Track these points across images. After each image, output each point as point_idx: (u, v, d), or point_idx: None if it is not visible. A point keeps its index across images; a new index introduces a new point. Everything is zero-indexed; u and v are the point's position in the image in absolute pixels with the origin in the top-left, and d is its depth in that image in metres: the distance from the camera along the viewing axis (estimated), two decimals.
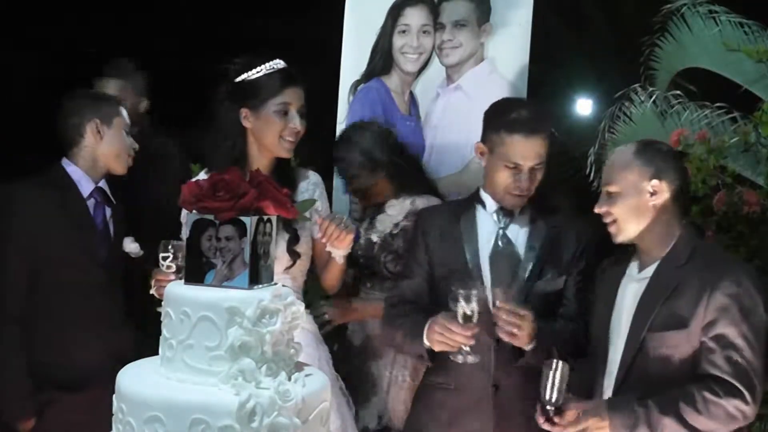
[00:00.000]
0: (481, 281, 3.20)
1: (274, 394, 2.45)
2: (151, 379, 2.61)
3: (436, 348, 3.08)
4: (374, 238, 3.72)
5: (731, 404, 2.75)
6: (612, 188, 2.99)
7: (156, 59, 8.77)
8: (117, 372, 3.22)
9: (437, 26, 4.17)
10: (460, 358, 3.03)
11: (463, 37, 4.16)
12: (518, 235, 3.28)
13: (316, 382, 2.63)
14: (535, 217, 3.31)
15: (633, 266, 3.06)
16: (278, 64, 3.33)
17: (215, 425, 2.41)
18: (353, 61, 4.23)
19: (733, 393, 2.76)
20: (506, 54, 4.13)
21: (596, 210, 3.03)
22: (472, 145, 3.82)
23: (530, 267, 3.24)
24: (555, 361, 2.85)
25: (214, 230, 2.63)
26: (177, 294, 2.63)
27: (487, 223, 3.29)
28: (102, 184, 3.64)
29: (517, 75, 4.09)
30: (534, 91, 4.19)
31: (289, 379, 2.54)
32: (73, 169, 3.58)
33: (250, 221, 2.60)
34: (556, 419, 2.86)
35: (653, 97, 5.06)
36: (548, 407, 2.86)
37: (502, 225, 3.28)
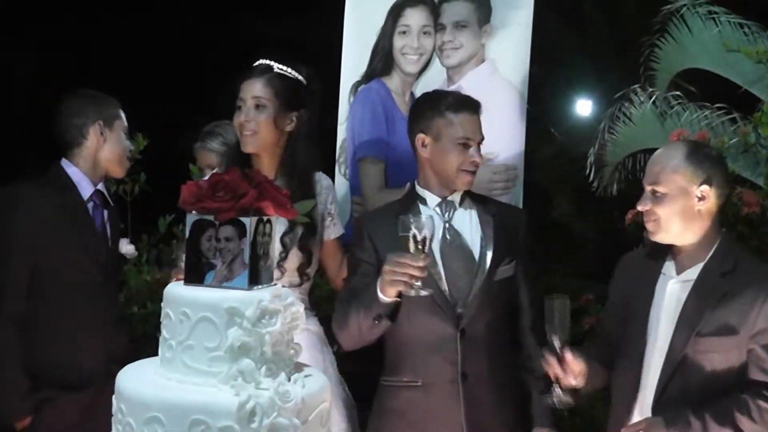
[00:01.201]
0: (434, 279, 3.16)
1: (273, 395, 2.45)
2: (151, 380, 2.61)
3: (390, 290, 2.98)
4: None
5: None
6: (659, 189, 2.95)
7: (155, 60, 8.81)
8: (115, 372, 3.24)
9: (438, 27, 4.16)
10: (412, 292, 2.95)
11: (464, 38, 4.15)
12: (464, 224, 3.28)
13: (315, 382, 2.63)
14: (474, 206, 3.32)
15: (669, 266, 3.03)
16: None
17: (215, 426, 2.40)
18: (354, 62, 4.22)
19: None
20: (507, 55, 4.12)
21: (640, 208, 3.01)
22: None
23: (489, 254, 3.23)
24: (553, 299, 2.86)
25: (214, 231, 2.62)
26: (176, 294, 2.63)
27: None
28: (101, 186, 3.66)
29: (517, 76, 4.08)
30: (534, 92, 4.19)
31: (289, 379, 2.54)
32: (73, 171, 3.58)
33: (249, 222, 2.60)
34: (566, 356, 2.86)
35: (653, 98, 5.08)
36: (555, 343, 2.86)
37: (446, 218, 3.27)
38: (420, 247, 2.89)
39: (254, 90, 3.38)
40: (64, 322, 3.46)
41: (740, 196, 4.09)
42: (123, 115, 3.71)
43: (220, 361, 2.52)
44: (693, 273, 2.96)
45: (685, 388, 2.86)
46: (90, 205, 3.60)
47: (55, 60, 8.66)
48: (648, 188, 2.99)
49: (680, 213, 2.94)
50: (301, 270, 3.37)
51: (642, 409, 2.96)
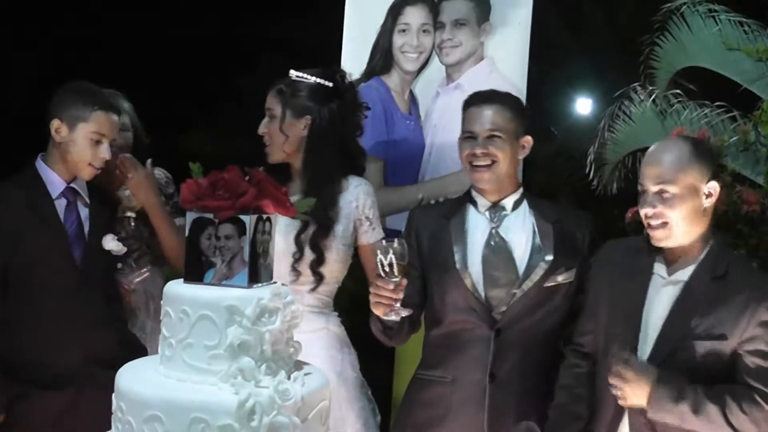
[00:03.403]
0: (472, 283, 3.18)
1: (273, 393, 2.45)
2: (151, 378, 2.61)
3: (377, 312, 3.02)
4: (129, 213, 3.79)
5: None
6: (670, 188, 2.84)
7: (156, 59, 8.81)
8: (97, 374, 3.20)
9: (437, 25, 4.16)
10: (392, 315, 2.99)
11: (463, 36, 4.15)
12: (516, 230, 3.25)
13: (315, 380, 2.63)
14: (532, 211, 3.28)
15: (659, 267, 2.97)
16: None
17: (215, 424, 2.41)
18: (353, 60, 4.21)
19: None
20: (506, 53, 4.12)
21: (647, 211, 2.89)
22: None
23: (543, 264, 3.18)
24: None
25: (214, 229, 2.63)
26: (176, 293, 2.63)
27: (479, 222, 3.27)
28: (75, 183, 3.49)
29: (516, 74, 4.08)
30: (534, 90, 4.18)
31: (289, 377, 2.54)
32: (43, 168, 3.46)
33: (249, 220, 2.60)
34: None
35: (653, 96, 5.08)
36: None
37: (494, 224, 3.26)
38: (387, 270, 2.90)
39: (267, 101, 3.50)
40: (36, 320, 3.36)
41: (740, 195, 4.09)
42: (102, 120, 3.44)
43: (220, 359, 2.52)
44: (684, 275, 2.91)
45: None
46: (62, 202, 3.46)
47: (56, 59, 8.67)
48: (654, 188, 2.88)
49: (691, 213, 2.87)
50: (313, 268, 3.37)
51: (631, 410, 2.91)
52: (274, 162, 3.47)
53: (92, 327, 3.42)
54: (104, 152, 3.44)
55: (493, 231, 3.24)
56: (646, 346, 2.91)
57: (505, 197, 3.27)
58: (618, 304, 3.00)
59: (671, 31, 5.21)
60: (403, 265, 2.92)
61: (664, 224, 2.87)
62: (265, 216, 2.67)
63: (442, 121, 4.14)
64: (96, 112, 3.43)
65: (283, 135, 3.43)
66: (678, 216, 2.85)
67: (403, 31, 4.17)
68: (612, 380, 2.81)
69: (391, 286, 2.92)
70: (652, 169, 2.89)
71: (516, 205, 3.28)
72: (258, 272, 2.65)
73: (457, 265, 3.20)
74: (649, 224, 2.90)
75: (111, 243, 3.51)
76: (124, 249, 3.56)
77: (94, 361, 3.33)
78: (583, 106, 8.29)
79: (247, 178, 2.71)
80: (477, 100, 3.27)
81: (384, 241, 2.95)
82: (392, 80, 4.20)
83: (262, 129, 3.49)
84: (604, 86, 7.07)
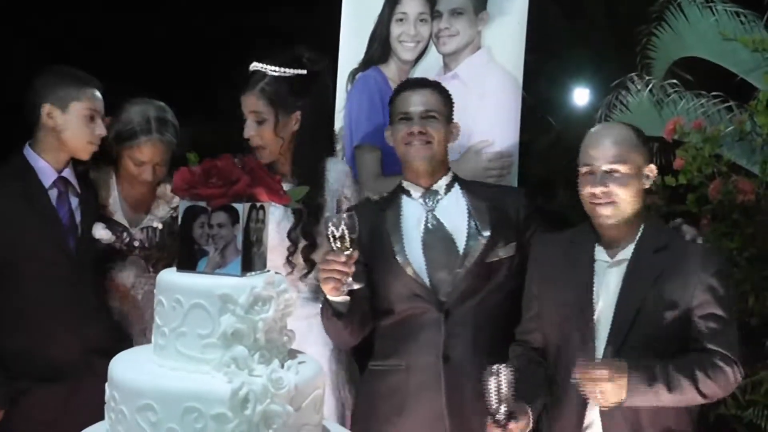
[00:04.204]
0: (413, 270, 3.21)
1: (266, 382, 2.44)
2: (144, 367, 2.60)
3: (327, 288, 3.03)
4: (156, 224, 3.71)
5: (732, 372, 2.87)
6: (622, 168, 2.96)
7: (153, 49, 8.79)
8: (95, 365, 3.11)
9: (434, 14, 4.14)
10: (344, 288, 3.00)
11: (460, 26, 4.13)
12: (451, 212, 3.29)
13: (309, 369, 2.63)
14: (465, 193, 3.34)
15: (600, 252, 3.04)
16: None
17: (208, 413, 2.40)
18: (351, 49, 4.21)
19: (732, 363, 2.87)
20: (503, 42, 4.10)
21: (597, 190, 2.97)
22: (469, 133, 3.83)
23: (482, 239, 3.23)
24: (496, 367, 2.79)
25: (207, 217, 2.62)
26: (169, 281, 2.63)
27: (413, 210, 3.31)
28: (66, 173, 3.45)
29: (513, 63, 4.06)
30: (531, 80, 4.17)
31: (282, 366, 2.53)
32: (33, 157, 3.41)
33: (242, 208, 2.59)
34: (510, 426, 2.81)
35: (650, 86, 5.08)
36: (498, 417, 2.80)
37: (429, 207, 3.29)
38: (339, 244, 2.91)
39: (250, 105, 3.45)
40: (33, 313, 3.34)
41: (735, 184, 4.10)
42: (91, 96, 3.43)
43: (213, 348, 2.52)
44: (626, 253, 3.00)
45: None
46: (54, 192, 3.42)
47: (51, 50, 8.64)
48: (605, 168, 2.97)
49: (636, 192, 2.98)
50: (305, 255, 3.39)
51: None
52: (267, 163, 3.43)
53: (89, 317, 3.42)
54: (99, 128, 3.44)
55: (429, 215, 3.28)
56: (602, 332, 2.95)
57: (437, 181, 3.33)
58: (565, 297, 3.03)
59: (668, 21, 5.22)
60: (354, 238, 2.93)
61: (613, 202, 2.96)
62: (258, 204, 2.66)
63: None
64: (85, 89, 3.42)
65: (279, 138, 3.44)
66: (626, 194, 2.96)
67: (401, 20, 4.16)
68: (589, 385, 2.79)
69: (343, 258, 2.93)
70: (603, 150, 2.99)
71: (448, 188, 3.34)
72: (251, 261, 2.64)
73: (397, 256, 3.24)
74: (596, 202, 2.98)
75: (101, 231, 3.48)
76: (113, 237, 3.52)
77: (92, 350, 3.31)
78: (580, 95, 8.29)
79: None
80: (410, 85, 3.39)
81: (334, 216, 2.98)
82: (390, 70, 4.19)
83: (249, 133, 3.45)
84: (602, 76, 7.07)
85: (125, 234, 3.64)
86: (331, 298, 3.08)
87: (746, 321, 4.03)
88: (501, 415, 2.80)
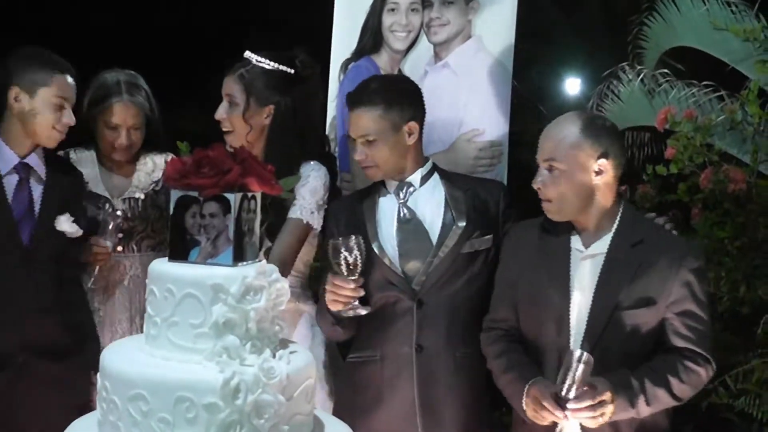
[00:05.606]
0: (389, 259, 3.20)
1: (258, 372, 2.44)
2: (136, 357, 2.60)
3: (332, 308, 3.06)
4: (138, 194, 3.73)
5: (705, 371, 2.87)
6: (557, 165, 2.88)
7: (146, 38, 8.76)
8: (31, 364, 3.13)
9: (425, 4, 4.13)
10: (351, 313, 3.03)
11: (451, 15, 4.13)
12: (425, 203, 3.28)
13: (300, 359, 2.63)
14: (442, 184, 3.31)
15: (575, 241, 2.99)
16: None
17: (199, 403, 2.40)
18: (344, 39, 4.20)
19: (704, 361, 2.87)
20: (493, 31, 4.09)
21: (535, 186, 2.94)
22: (460, 122, 3.82)
23: (457, 229, 3.21)
24: (579, 351, 2.72)
25: (198, 207, 2.61)
26: (161, 271, 2.62)
27: (388, 201, 3.31)
28: (31, 158, 3.32)
29: (503, 53, 4.05)
30: (521, 69, 4.17)
31: (274, 356, 2.54)
32: None
33: (234, 198, 2.59)
34: (569, 406, 2.74)
35: (641, 76, 5.10)
36: (568, 397, 2.73)
37: (402, 199, 3.28)
38: (351, 269, 2.94)
39: (227, 87, 3.47)
40: None
41: (726, 173, 4.11)
42: (62, 83, 3.29)
43: (205, 337, 2.51)
44: (602, 246, 2.94)
45: (604, 359, 2.80)
46: (13, 178, 3.28)
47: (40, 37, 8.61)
48: (544, 164, 2.93)
49: (578, 189, 2.89)
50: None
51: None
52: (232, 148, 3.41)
53: (34, 312, 3.26)
54: (67, 117, 3.31)
55: (402, 206, 3.27)
56: (580, 324, 2.92)
57: (412, 174, 3.31)
58: (540, 285, 2.99)
59: (659, 11, 5.22)
60: (363, 261, 2.96)
61: (550, 199, 2.92)
62: (250, 194, 2.66)
63: (431, 100, 4.09)
64: (56, 75, 3.29)
65: (247, 125, 3.43)
66: (564, 192, 2.90)
67: (392, 10, 4.15)
68: (596, 422, 2.75)
69: (352, 285, 2.96)
70: (543, 144, 2.95)
71: (425, 179, 3.32)
72: (243, 250, 2.64)
73: (373, 245, 3.22)
74: (541, 198, 2.95)
75: (65, 224, 3.32)
76: (80, 231, 3.36)
77: (32, 349, 3.20)
78: (572, 85, 8.31)
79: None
80: (349, 101, 3.29)
81: (341, 239, 2.97)
82: (381, 59, 4.19)
83: (221, 114, 3.46)
84: (593, 65, 7.08)
85: (107, 205, 3.63)
86: (333, 311, 3.11)
87: (738, 310, 4.05)
88: (571, 395, 2.72)
